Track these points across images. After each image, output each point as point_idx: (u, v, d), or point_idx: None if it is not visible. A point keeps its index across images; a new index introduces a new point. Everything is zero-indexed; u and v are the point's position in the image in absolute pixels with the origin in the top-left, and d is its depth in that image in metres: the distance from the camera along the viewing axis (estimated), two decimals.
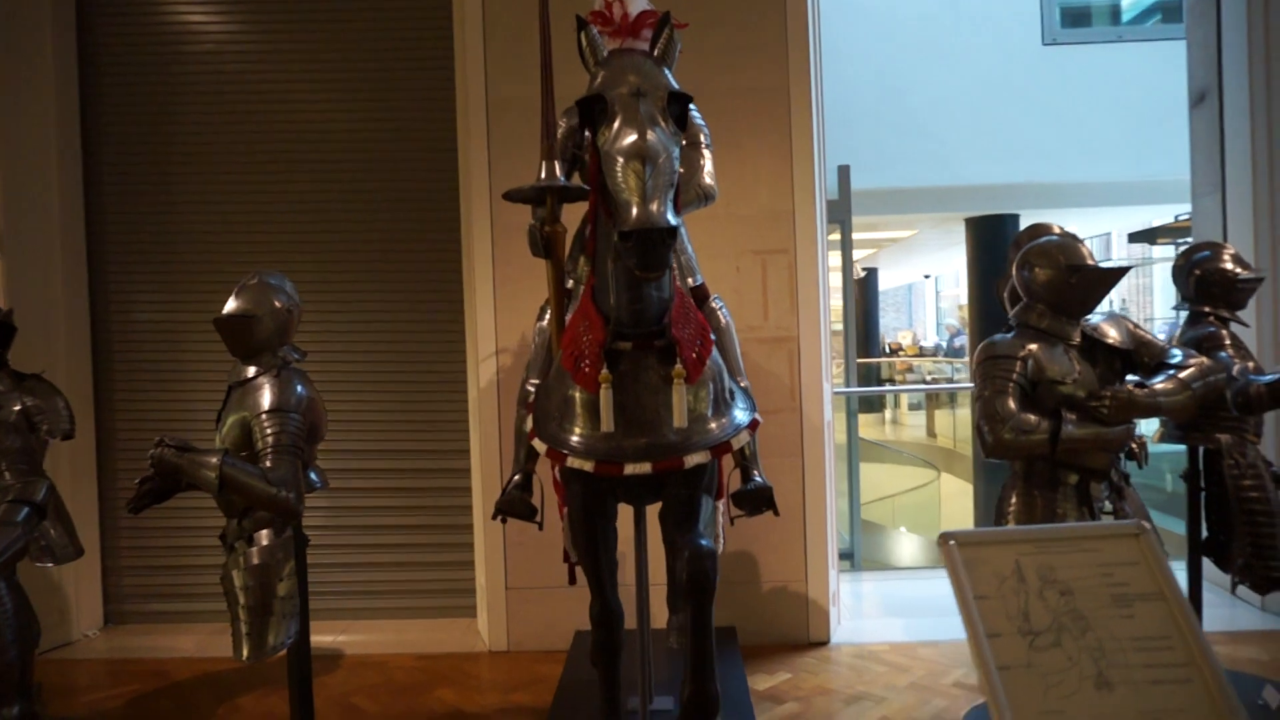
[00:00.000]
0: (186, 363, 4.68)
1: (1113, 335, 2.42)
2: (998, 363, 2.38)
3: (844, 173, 5.31)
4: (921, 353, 18.56)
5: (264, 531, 2.64)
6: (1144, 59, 7.36)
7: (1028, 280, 2.47)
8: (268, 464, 2.53)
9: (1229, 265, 3.13)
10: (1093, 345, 2.41)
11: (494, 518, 2.94)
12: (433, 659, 4.15)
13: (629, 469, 2.24)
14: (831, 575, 4.24)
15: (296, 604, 2.67)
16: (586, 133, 2.21)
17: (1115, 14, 8.84)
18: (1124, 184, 7.56)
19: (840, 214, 5.31)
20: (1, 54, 4.30)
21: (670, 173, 2.00)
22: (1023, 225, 9.48)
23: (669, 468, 2.25)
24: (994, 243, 8.70)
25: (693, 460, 2.26)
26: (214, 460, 2.44)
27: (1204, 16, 4.62)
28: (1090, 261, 2.37)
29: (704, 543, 2.18)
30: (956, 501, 10.27)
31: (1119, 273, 2.44)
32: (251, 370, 2.71)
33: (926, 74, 7.51)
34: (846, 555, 5.43)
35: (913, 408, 12.33)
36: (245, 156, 4.64)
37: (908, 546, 9.27)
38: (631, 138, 1.98)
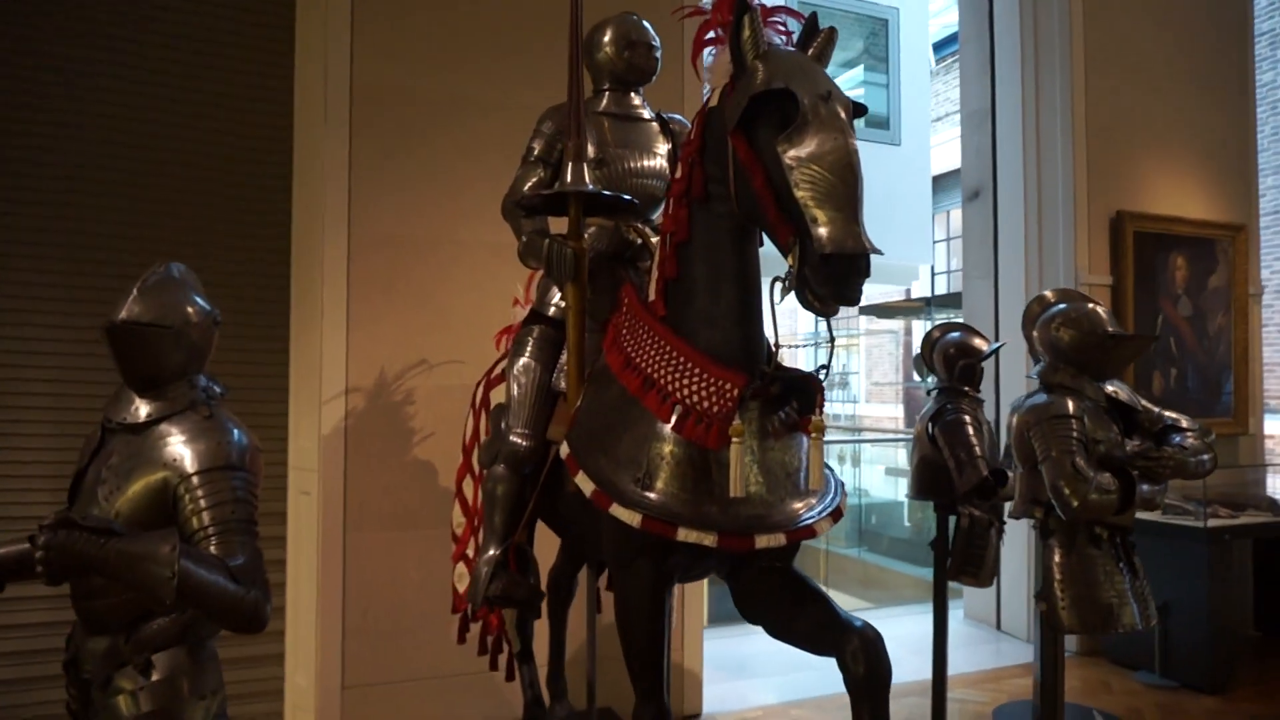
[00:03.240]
0: None
1: (1125, 397, 2.61)
2: (1060, 422, 2.42)
3: None
4: None
5: (162, 654, 1.74)
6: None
7: (1054, 341, 2.56)
8: (213, 548, 1.67)
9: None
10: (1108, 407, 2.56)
11: (485, 607, 2.29)
12: None
13: (762, 541, 1.85)
14: (712, 641, 4.02)
15: None
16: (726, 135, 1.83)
17: None
18: None
19: None
20: None
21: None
22: None
23: (803, 537, 1.90)
24: None
25: (824, 527, 1.94)
26: (166, 550, 1.54)
27: (979, 126, 5.37)
28: (1117, 329, 2.53)
29: (861, 623, 1.86)
30: None
31: (1151, 340, 2.66)
32: (147, 408, 1.80)
33: None
34: None
35: None
36: None
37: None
38: (839, 146, 1.67)
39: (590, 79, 2.69)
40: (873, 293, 12.28)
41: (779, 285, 1.78)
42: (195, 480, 1.72)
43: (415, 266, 3.51)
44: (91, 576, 1.56)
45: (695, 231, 1.97)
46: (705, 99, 2.01)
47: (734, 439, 1.82)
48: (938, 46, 11.39)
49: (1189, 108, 5.24)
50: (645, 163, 2.55)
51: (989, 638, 5.03)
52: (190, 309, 1.86)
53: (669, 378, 1.93)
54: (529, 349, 2.46)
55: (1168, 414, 2.70)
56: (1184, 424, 2.66)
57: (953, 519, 3.22)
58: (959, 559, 3.07)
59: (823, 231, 1.64)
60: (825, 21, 1.96)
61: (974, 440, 3.02)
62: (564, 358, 2.40)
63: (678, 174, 2.05)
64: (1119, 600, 2.47)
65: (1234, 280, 5.24)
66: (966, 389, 3.23)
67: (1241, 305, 5.25)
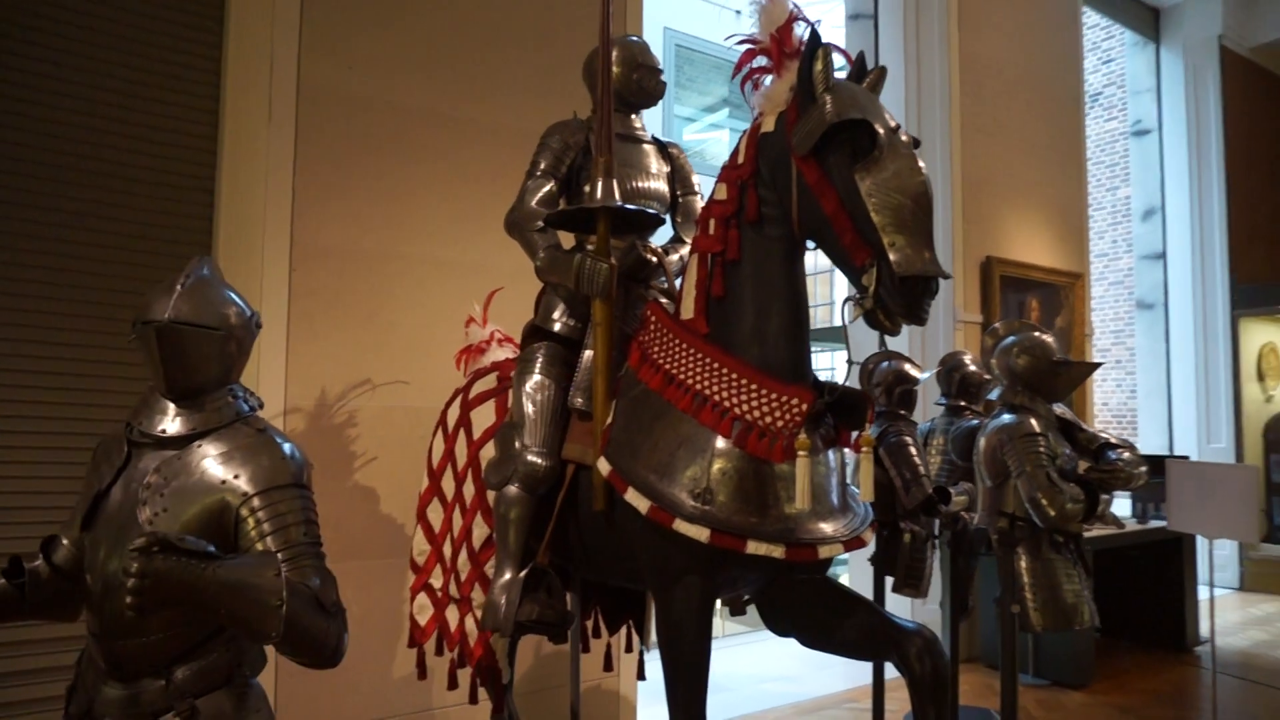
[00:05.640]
0: None
1: (1070, 418, 2.90)
2: (1030, 440, 2.65)
3: None
4: None
5: (206, 699, 1.54)
6: None
7: (1011, 367, 2.82)
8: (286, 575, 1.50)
9: (973, 368, 3.95)
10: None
11: (511, 636, 2.18)
12: None
13: (824, 552, 1.91)
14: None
15: None
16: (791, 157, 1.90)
17: None
18: None
19: None
20: None
21: None
22: None
23: (856, 547, 1.97)
24: None
25: (869, 537, 2.03)
26: (271, 575, 1.35)
27: None
28: (1063, 356, 2.83)
29: (916, 626, 1.94)
30: None
31: (1096, 366, 2.96)
32: (185, 421, 1.59)
33: None
34: None
35: None
36: None
37: None
38: (918, 178, 1.79)
39: (592, 98, 2.70)
40: None
41: (849, 305, 1.87)
42: (258, 501, 1.56)
43: (360, 281, 3.33)
44: (122, 610, 1.37)
45: (745, 252, 2.03)
46: (754, 124, 2.09)
47: (800, 452, 1.88)
48: None
49: (1038, 168, 5.93)
50: (649, 184, 2.58)
51: None
52: (232, 310, 1.70)
53: (723, 394, 1.97)
54: (539, 366, 2.40)
55: (1101, 434, 3.05)
56: (1114, 441, 3.00)
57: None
58: (902, 573, 3.27)
59: (900, 255, 1.75)
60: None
61: (917, 460, 3.25)
62: (578, 375, 2.37)
63: (721, 195, 2.10)
64: (1078, 600, 2.75)
65: (1074, 322, 5.95)
66: (902, 412, 3.47)
67: (1079, 344, 5.96)
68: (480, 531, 2.57)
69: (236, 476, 1.57)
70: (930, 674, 1.86)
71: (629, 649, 3.00)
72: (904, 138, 1.86)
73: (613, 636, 3.00)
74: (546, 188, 2.49)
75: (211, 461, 1.58)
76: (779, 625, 2.17)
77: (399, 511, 3.34)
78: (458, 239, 3.53)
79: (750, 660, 5.23)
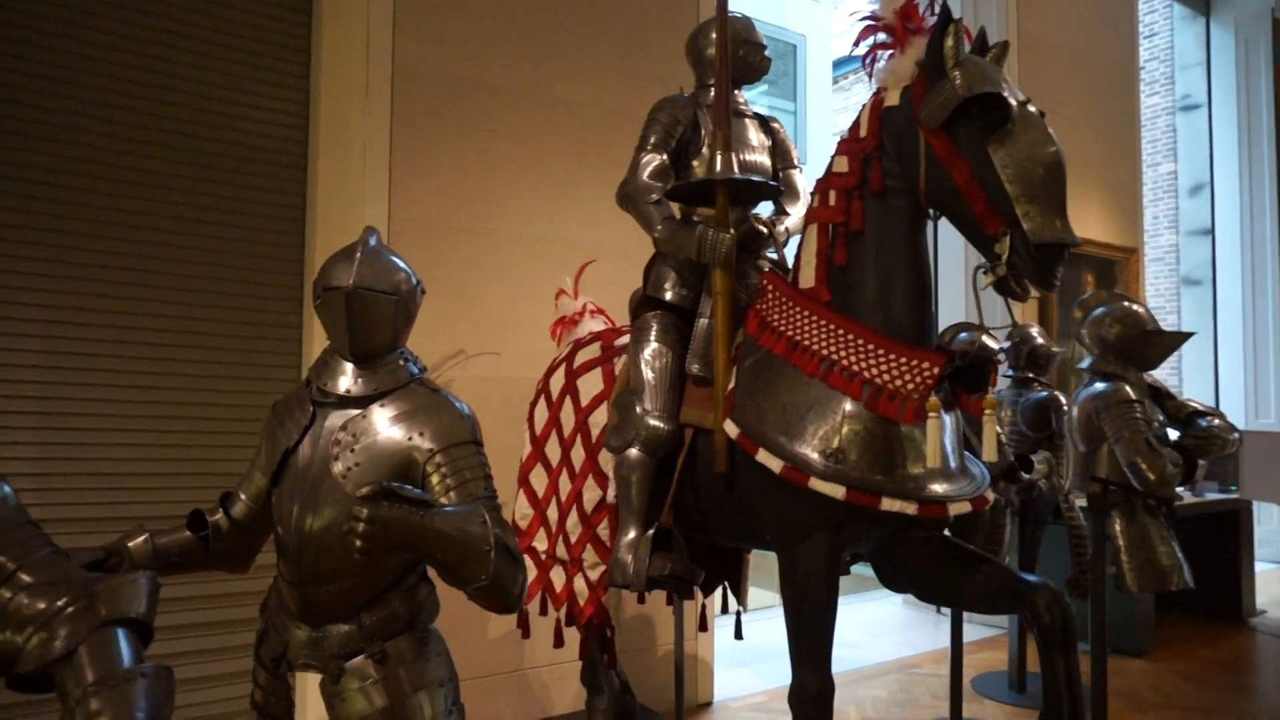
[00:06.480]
0: None
1: (1161, 386, 2.97)
2: (1127, 407, 2.72)
3: None
4: None
5: (391, 643, 1.64)
6: None
7: (1103, 336, 2.88)
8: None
9: (1041, 340, 4.00)
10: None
11: (643, 589, 2.28)
12: None
13: (953, 509, 1.99)
14: (718, 630, 4.12)
15: None
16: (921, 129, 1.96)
17: None
18: None
19: None
20: None
21: None
22: None
23: (982, 505, 2.05)
24: None
25: (990, 497, 2.11)
26: (479, 523, 1.45)
27: None
28: (1155, 325, 2.88)
29: (1042, 580, 2.02)
30: None
31: (1186, 336, 3.02)
32: (364, 382, 1.68)
33: None
34: None
35: None
36: None
37: None
38: (1051, 148, 1.85)
39: (695, 74, 2.77)
40: None
41: (981, 273, 1.93)
42: (440, 458, 1.65)
43: (450, 254, 3.42)
44: (329, 556, 1.47)
45: (869, 222, 2.10)
46: (875, 98, 2.15)
47: (931, 413, 1.95)
48: (836, 64, 12.09)
49: (1093, 144, 5.92)
50: (753, 158, 2.65)
51: (933, 619, 5.43)
52: (402, 277, 1.78)
53: (851, 358, 2.04)
54: (654, 334, 2.48)
55: (1190, 402, 3.10)
56: (1203, 409, 3.05)
57: None
58: (982, 540, 3.35)
59: (1034, 223, 1.82)
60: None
61: (998, 428, 3.31)
62: (694, 342, 2.45)
63: (841, 168, 2.16)
64: (1173, 561, 2.82)
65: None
66: None
67: None
68: (591, 495, 2.66)
69: (421, 434, 1.66)
70: (1060, 625, 1.94)
71: (724, 610, 3.09)
72: (1033, 109, 1.91)
73: (706, 599, 3.10)
74: (658, 161, 2.55)
75: (394, 421, 1.68)
76: (897, 582, 2.25)
77: (494, 478, 3.44)
78: (542, 214, 3.61)
79: None
